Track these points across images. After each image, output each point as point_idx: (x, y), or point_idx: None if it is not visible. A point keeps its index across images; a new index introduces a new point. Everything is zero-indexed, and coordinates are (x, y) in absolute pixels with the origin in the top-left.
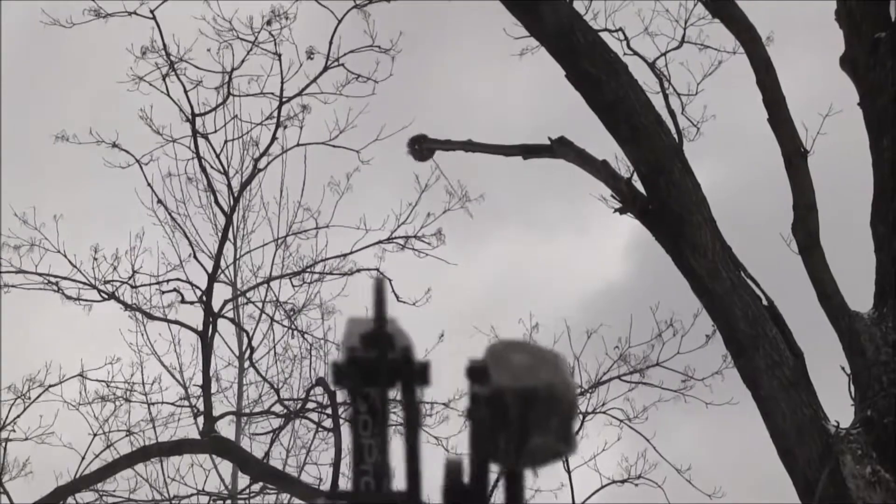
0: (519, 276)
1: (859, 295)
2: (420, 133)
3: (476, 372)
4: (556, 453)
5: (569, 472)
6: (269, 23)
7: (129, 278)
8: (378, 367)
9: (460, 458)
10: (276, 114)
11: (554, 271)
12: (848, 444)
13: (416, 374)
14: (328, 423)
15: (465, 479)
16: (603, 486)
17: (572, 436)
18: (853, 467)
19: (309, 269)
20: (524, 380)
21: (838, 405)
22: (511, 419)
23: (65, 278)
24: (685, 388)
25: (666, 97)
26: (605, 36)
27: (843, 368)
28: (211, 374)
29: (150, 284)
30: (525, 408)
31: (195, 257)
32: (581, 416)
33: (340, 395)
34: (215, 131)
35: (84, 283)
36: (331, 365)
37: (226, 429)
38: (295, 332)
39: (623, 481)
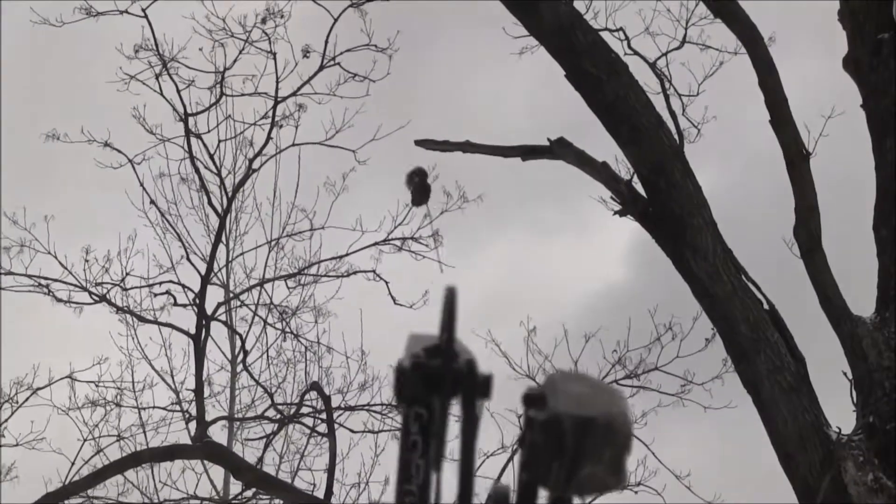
0: (518, 278)
1: (861, 299)
2: (419, 167)
3: (533, 399)
4: (605, 486)
5: None
6: (263, 21)
7: (121, 281)
8: (442, 376)
9: (507, 486)
10: (270, 113)
11: (553, 274)
12: (849, 451)
13: (479, 386)
14: (322, 427)
15: None
16: (601, 493)
17: (624, 470)
18: (855, 474)
19: (304, 272)
20: (583, 408)
21: (840, 411)
22: (566, 445)
23: (55, 280)
24: (684, 393)
25: (667, 98)
26: (605, 35)
27: (844, 373)
28: (203, 378)
29: (141, 287)
30: (582, 435)
31: (188, 259)
32: None
33: (335, 400)
34: (209, 131)
35: (75, 286)
36: (394, 370)
37: (218, 434)
38: (289, 335)
39: (622, 487)
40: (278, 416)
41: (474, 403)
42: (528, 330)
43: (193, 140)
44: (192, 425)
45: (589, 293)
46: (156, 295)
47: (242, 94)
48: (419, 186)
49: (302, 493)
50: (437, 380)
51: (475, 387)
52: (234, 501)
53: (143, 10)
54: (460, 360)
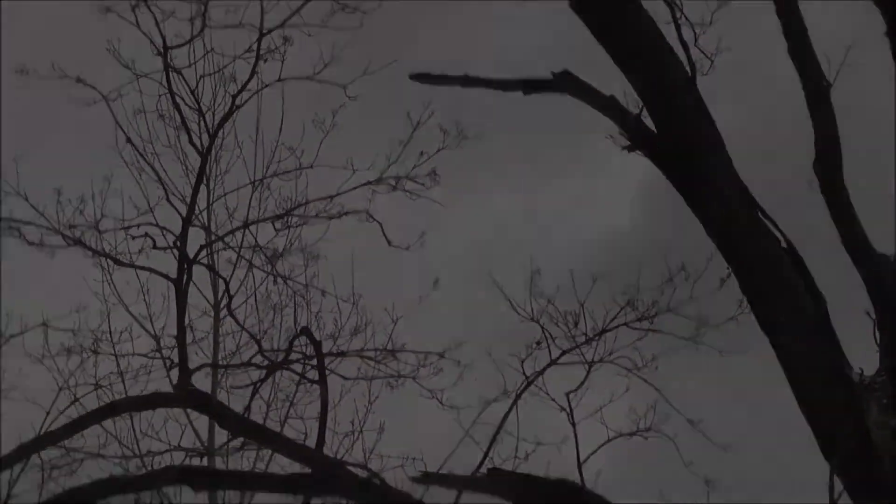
0: (521, 220)
1: (886, 237)
2: None
3: None
4: None
5: (573, 424)
6: None
7: (96, 223)
8: None
9: None
10: (255, 47)
11: (559, 215)
12: (872, 393)
13: None
14: (313, 374)
15: None
16: (610, 440)
17: None
18: (878, 417)
19: (292, 212)
20: None
21: (862, 353)
22: None
23: (26, 222)
24: (698, 336)
25: (678, 27)
26: None
27: (868, 314)
28: (185, 324)
29: (118, 229)
30: None
31: (168, 200)
32: (587, 366)
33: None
34: (189, 65)
35: (47, 228)
36: None
37: (201, 382)
38: (276, 279)
39: (632, 434)
40: (266, 362)
41: None
42: (531, 272)
43: (173, 75)
44: (174, 373)
45: (597, 234)
46: (133, 238)
47: (225, 27)
48: None
49: (292, 442)
50: None
51: None
52: (219, 452)
53: None
54: None
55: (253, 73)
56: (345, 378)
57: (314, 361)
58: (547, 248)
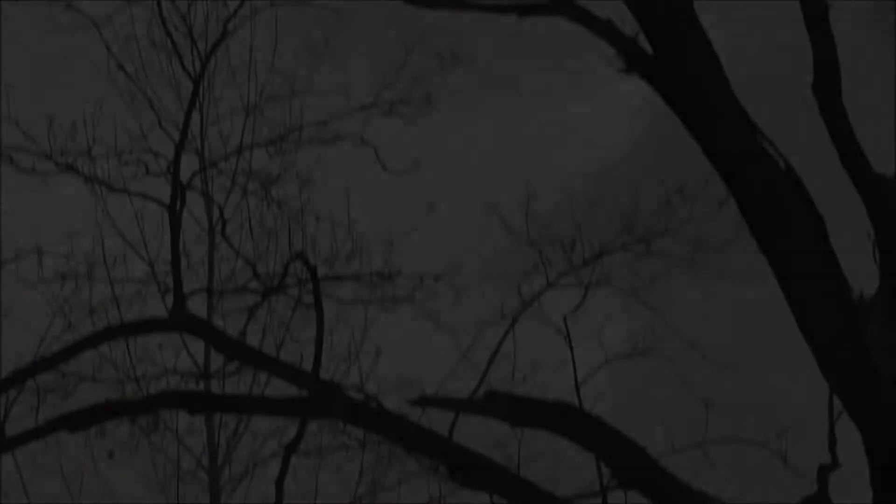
0: (517, 145)
1: (885, 160)
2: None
3: None
4: None
5: (570, 346)
6: None
7: (89, 149)
8: None
9: None
10: None
11: (555, 139)
12: (872, 313)
13: None
14: (308, 299)
15: None
16: (608, 361)
17: None
18: (877, 337)
19: (286, 137)
20: None
21: (861, 272)
22: None
23: (18, 149)
24: (696, 258)
25: None
26: None
27: (868, 235)
28: (180, 250)
29: (111, 154)
30: None
31: (160, 125)
32: (584, 289)
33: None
34: None
35: (39, 155)
36: None
37: (197, 307)
38: (271, 204)
39: (629, 355)
40: (261, 287)
41: None
42: (529, 195)
43: (164, 1)
44: (169, 298)
45: (594, 158)
46: (126, 164)
47: None
48: None
49: (288, 366)
50: None
51: None
52: (215, 376)
53: None
54: None
55: None
56: (341, 302)
57: (310, 286)
58: (544, 172)
